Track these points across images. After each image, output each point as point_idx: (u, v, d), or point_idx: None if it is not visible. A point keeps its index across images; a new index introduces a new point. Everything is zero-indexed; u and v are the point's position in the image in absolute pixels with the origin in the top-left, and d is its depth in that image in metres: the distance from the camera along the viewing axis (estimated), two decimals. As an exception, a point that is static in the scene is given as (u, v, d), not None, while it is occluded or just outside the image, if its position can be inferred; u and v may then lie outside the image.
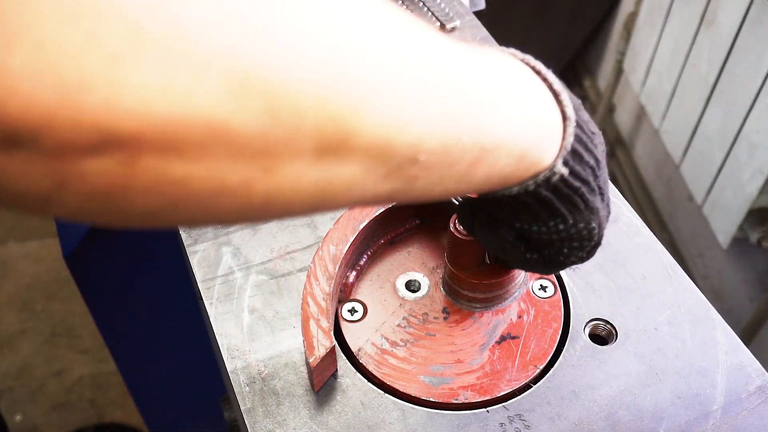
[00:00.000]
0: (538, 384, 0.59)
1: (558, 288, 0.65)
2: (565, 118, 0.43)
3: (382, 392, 0.59)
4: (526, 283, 0.65)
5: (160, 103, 0.24)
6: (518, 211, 0.46)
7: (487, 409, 0.58)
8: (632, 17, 1.88)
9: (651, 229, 0.70)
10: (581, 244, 0.49)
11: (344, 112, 0.29)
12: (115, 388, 1.85)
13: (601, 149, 0.47)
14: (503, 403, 0.58)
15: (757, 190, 1.44)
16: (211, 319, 0.63)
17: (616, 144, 2.10)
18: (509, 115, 0.38)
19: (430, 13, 0.92)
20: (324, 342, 0.56)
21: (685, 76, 1.66)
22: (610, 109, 2.09)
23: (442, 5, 0.93)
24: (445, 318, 0.64)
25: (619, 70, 1.99)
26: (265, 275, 0.67)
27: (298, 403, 0.58)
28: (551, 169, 0.42)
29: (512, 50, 0.45)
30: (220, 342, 0.62)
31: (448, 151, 0.34)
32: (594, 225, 0.48)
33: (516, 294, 0.63)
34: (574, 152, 0.43)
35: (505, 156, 0.39)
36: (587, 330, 0.63)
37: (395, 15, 0.34)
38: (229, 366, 0.60)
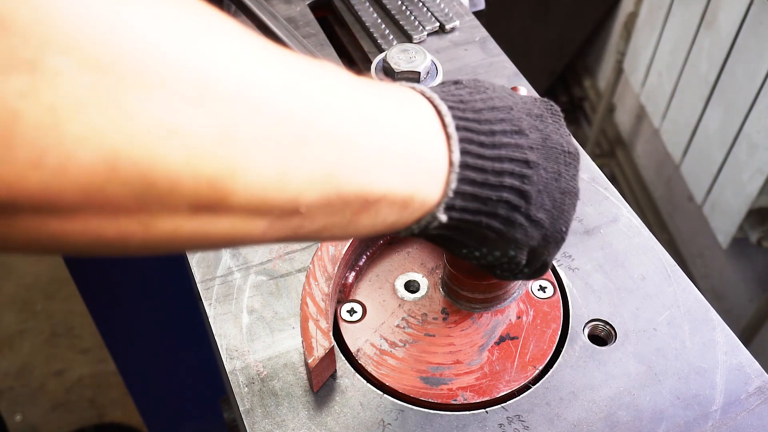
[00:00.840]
0: (537, 385, 0.59)
1: (557, 289, 0.65)
2: (450, 163, 0.42)
3: (381, 393, 0.59)
4: (526, 284, 0.65)
5: (33, 177, 0.26)
6: (434, 240, 0.47)
7: (486, 410, 0.58)
8: (632, 17, 1.88)
9: (651, 230, 0.70)
10: (510, 269, 0.49)
11: (219, 175, 0.30)
12: (115, 388, 1.85)
13: (535, 179, 0.45)
14: (502, 404, 0.58)
15: (757, 190, 1.44)
16: (210, 320, 0.63)
17: (616, 144, 2.10)
18: (392, 167, 0.38)
19: (429, 13, 0.92)
20: (323, 343, 0.56)
21: (685, 76, 1.66)
22: (610, 109, 2.09)
23: (442, 5, 0.93)
24: (444, 319, 0.64)
25: (619, 70, 1.99)
26: (264, 276, 0.67)
27: (297, 403, 0.58)
28: (432, 214, 0.42)
29: (422, 87, 0.44)
30: (219, 342, 0.62)
31: (330, 204, 0.35)
32: (514, 253, 0.47)
33: (515, 295, 0.63)
34: (465, 194, 0.42)
35: (388, 206, 0.39)
36: (586, 331, 0.63)
37: (275, 63, 0.33)
38: (228, 366, 0.60)
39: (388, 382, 0.59)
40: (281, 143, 0.32)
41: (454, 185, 0.42)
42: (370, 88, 0.39)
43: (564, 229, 0.49)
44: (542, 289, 0.65)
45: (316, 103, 0.34)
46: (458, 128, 0.42)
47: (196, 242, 0.32)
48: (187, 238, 0.32)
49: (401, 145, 0.39)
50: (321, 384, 0.59)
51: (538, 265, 0.51)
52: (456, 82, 0.47)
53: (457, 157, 0.42)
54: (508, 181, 0.44)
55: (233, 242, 0.34)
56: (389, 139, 0.38)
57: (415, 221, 0.42)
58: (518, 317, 0.64)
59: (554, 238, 0.49)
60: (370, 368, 0.60)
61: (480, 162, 0.43)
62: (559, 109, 0.52)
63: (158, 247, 0.31)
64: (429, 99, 0.43)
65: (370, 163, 0.37)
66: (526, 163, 0.45)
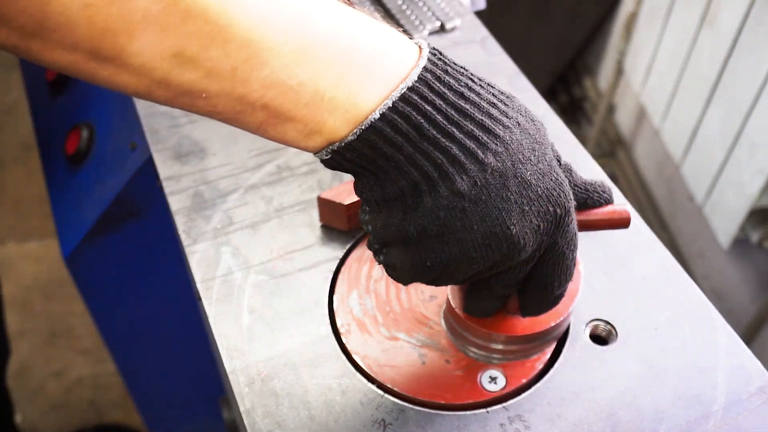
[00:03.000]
0: (538, 384, 0.59)
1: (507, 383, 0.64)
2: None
3: (382, 393, 0.59)
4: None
5: None
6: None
7: (487, 409, 0.58)
8: (632, 17, 1.88)
9: (651, 230, 0.70)
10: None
11: (113, 31, 0.36)
12: (114, 388, 1.84)
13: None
14: (503, 404, 0.58)
15: (758, 191, 1.43)
16: (211, 320, 0.63)
17: (617, 144, 2.10)
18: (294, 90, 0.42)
19: (430, 12, 0.92)
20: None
21: (686, 76, 1.66)
22: (611, 109, 2.09)
23: (443, 5, 0.93)
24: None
25: (619, 70, 1.98)
26: (264, 275, 0.67)
27: (298, 403, 0.58)
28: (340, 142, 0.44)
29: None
30: (219, 342, 0.62)
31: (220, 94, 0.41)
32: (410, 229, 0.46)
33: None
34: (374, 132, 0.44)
35: (292, 130, 0.44)
36: (587, 330, 0.63)
37: None
38: (229, 366, 0.60)
39: (388, 382, 0.59)
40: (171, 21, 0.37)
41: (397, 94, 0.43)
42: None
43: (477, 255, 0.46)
44: (492, 380, 0.60)
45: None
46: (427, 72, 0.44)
47: (99, 82, 0.40)
48: (90, 76, 0.39)
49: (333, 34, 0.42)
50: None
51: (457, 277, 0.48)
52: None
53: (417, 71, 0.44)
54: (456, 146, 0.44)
55: (128, 92, 0.41)
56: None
57: (322, 147, 0.45)
58: (519, 317, 0.63)
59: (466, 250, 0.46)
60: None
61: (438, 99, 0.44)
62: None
63: (78, 76, 0.39)
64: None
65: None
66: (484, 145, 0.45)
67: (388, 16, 0.92)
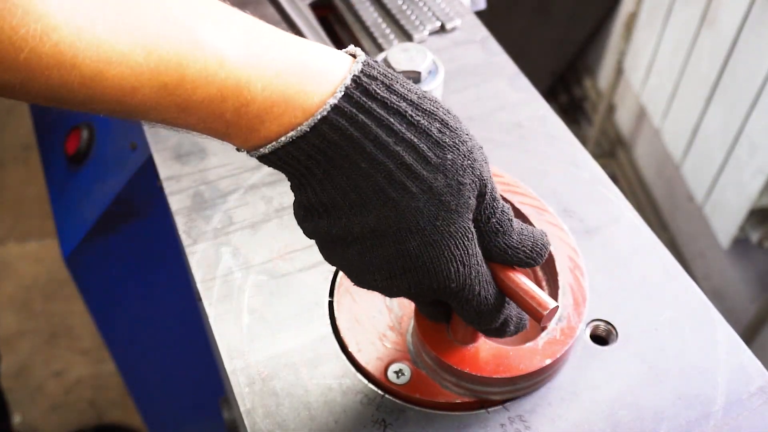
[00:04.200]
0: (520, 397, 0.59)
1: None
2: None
3: (383, 393, 0.59)
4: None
5: None
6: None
7: (488, 409, 0.58)
8: (632, 17, 1.88)
9: (651, 230, 0.70)
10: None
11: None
12: (114, 388, 1.84)
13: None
14: (504, 404, 0.58)
15: (758, 191, 1.43)
16: (211, 320, 0.63)
17: (617, 144, 2.10)
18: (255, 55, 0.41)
19: (430, 13, 0.92)
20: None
21: (686, 76, 1.66)
22: (611, 109, 2.09)
23: (443, 5, 0.93)
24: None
25: (619, 70, 1.98)
26: (264, 275, 0.66)
27: (298, 403, 0.58)
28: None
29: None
30: (219, 343, 0.62)
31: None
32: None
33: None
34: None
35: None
36: (588, 330, 0.63)
37: None
38: (229, 367, 0.60)
39: (389, 382, 0.59)
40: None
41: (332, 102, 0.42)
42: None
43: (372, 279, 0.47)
44: (396, 373, 0.59)
45: None
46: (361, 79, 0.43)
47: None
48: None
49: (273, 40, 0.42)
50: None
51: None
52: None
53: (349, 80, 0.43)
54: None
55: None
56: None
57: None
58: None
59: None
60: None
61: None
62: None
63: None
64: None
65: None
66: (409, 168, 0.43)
67: (389, 16, 0.92)
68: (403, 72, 0.69)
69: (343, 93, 0.42)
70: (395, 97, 0.43)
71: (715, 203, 1.60)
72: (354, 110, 0.42)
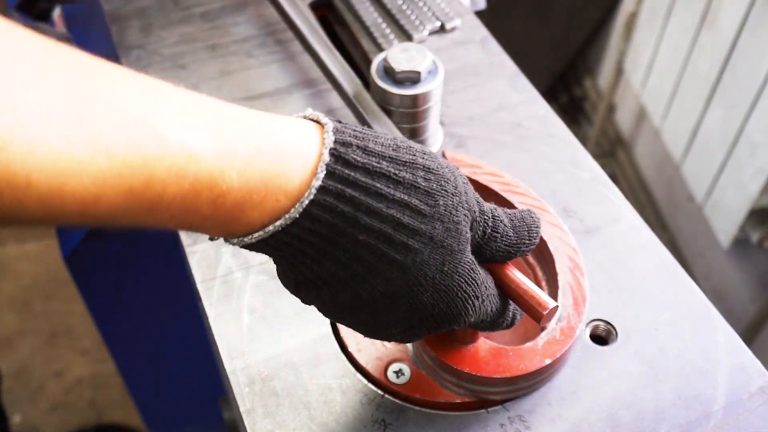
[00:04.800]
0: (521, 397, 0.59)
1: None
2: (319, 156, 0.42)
3: (383, 393, 0.59)
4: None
5: None
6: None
7: (488, 409, 0.58)
8: (632, 17, 1.88)
9: (651, 230, 0.70)
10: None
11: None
12: (114, 388, 1.84)
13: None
14: (503, 404, 0.58)
15: (758, 191, 1.43)
16: (211, 320, 0.63)
17: (617, 144, 2.10)
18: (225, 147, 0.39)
19: (430, 13, 0.92)
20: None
21: (686, 76, 1.66)
22: (611, 109, 2.09)
23: (443, 5, 0.93)
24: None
25: (619, 70, 1.98)
26: (264, 275, 0.66)
27: (298, 403, 0.58)
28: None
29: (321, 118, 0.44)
30: (219, 343, 0.62)
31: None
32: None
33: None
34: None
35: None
36: (588, 330, 0.63)
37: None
38: (229, 367, 0.60)
39: (389, 382, 0.59)
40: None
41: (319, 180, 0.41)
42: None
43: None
44: (396, 373, 0.60)
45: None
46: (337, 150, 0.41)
47: None
48: None
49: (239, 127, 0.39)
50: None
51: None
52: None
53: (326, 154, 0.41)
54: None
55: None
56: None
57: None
58: (519, 317, 0.63)
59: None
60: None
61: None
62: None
63: None
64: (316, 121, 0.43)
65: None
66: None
67: (389, 15, 0.92)
68: (403, 72, 0.69)
69: (325, 172, 0.41)
70: (374, 158, 0.42)
71: (716, 203, 1.59)
72: (340, 186, 0.41)
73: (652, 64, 1.81)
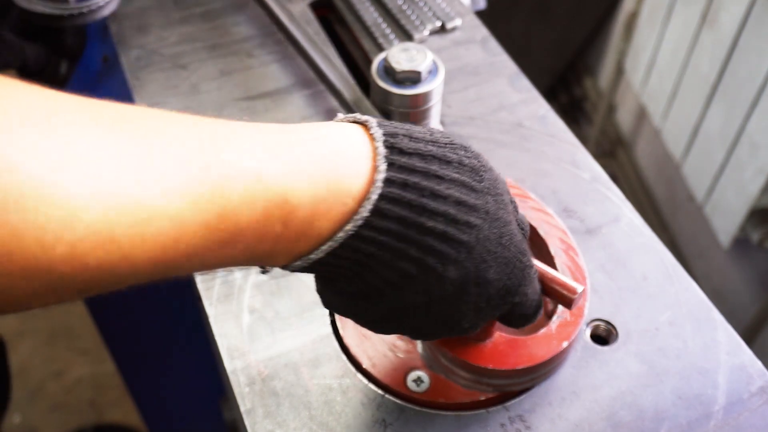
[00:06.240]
0: (539, 384, 0.59)
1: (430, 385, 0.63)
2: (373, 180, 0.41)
3: (383, 393, 0.59)
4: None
5: None
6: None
7: (488, 409, 0.58)
8: (633, 17, 1.88)
9: (652, 229, 0.70)
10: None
11: None
12: (114, 388, 1.84)
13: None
14: (504, 404, 0.58)
15: (759, 190, 1.43)
16: (211, 320, 0.63)
17: (617, 144, 2.10)
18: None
19: (431, 13, 0.92)
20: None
21: (686, 76, 1.66)
22: (611, 109, 2.09)
23: (443, 5, 0.93)
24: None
25: (619, 70, 1.98)
26: (264, 275, 0.66)
27: (298, 403, 0.58)
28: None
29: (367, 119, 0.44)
30: (219, 342, 0.62)
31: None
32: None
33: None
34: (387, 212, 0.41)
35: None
36: (588, 330, 0.62)
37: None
38: (229, 367, 0.60)
39: (389, 382, 0.59)
40: None
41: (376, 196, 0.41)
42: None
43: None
44: (416, 381, 0.60)
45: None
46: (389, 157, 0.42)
47: None
48: None
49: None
50: None
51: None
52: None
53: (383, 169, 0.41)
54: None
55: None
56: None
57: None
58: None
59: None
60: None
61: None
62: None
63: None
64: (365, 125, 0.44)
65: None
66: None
67: (389, 15, 0.92)
68: (403, 72, 0.69)
69: (385, 163, 0.41)
70: (421, 144, 0.43)
71: (716, 203, 1.59)
72: (401, 175, 0.41)
73: (652, 64, 1.81)
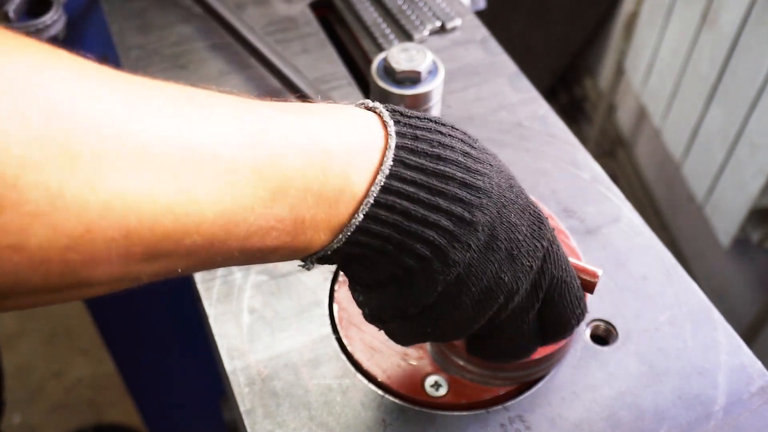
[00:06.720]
0: (539, 384, 0.59)
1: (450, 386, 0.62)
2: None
3: (383, 393, 0.59)
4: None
5: None
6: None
7: (488, 409, 0.58)
8: (633, 17, 1.88)
9: (651, 230, 0.70)
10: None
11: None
12: (114, 388, 1.84)
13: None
14: (503, 404, 0.58)
15: (759, 191, 1.43)
16: (211, 320, 0.63)
17: (617, 144, 2.10)
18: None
19: (431, 13, 0.92)
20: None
21: (686, 76, 1.66)
22: (611, 109, 2.09)
23: (443, 5, 0.93)
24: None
25: (619, 70, 1.98)
26: (264, 275, 0.66)
27: (298, 403, 0.58)
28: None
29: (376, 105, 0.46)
30: (219, 343, 0.62)
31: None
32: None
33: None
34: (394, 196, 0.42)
35: (275, 257, 0.42)
36: (588, 330, 0.62)
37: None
38: (229, 367, 0.60)
39: (389, 382, 0.59)
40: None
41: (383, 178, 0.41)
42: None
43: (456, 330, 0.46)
44: (434, 387, 0.59)
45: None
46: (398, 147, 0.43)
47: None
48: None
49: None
50: None
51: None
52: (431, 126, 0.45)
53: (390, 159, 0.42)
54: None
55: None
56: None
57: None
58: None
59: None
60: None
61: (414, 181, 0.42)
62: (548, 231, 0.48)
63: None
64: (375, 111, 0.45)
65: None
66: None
67: (389, 15, 0.92)
68: (403, 72, 0.69)
69: (392, 120, 0.43)
70: (415, 113, 0.45)
71: (716, 203, 1.59)
72: (409, 130, 0.43)
73: (652, 64, 1.81)
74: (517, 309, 0.47)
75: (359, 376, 0.60)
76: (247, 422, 0.57)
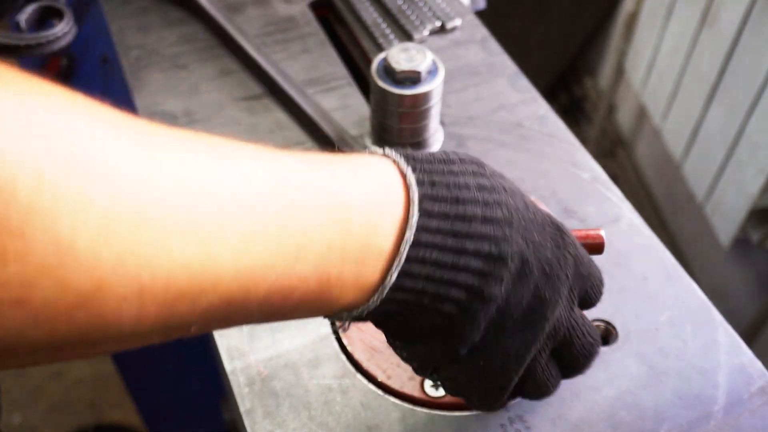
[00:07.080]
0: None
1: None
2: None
3: (383, 393, 0.59)
4: None
5: None
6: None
7: (488, 410, 0.58)
8: (633, 17, 1.88)
9: (651, 230, 0.70)
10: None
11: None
12: (114, 389, 1.84)
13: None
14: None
15: (759, 191, 1.43)
16: (211, 320, 0.63)
17: (617, 144, 2.10)
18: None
19: (431, 12, 0.92)
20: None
21: (687, 76, 1.66)
22: (611, 109, 2.08)
23: (443, 5, 0.93)
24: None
25: (619, 70, 1.98)
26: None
27: (298, 404, 0.58)
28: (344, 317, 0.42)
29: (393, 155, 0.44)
30: (219, 343, 0.62)
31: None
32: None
33: None
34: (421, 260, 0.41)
35: (301, 314, 0.41)
36: (588, 330, 0.62)
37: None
38: (229, 367, 0.60)
39: (389, 382, 0.59)
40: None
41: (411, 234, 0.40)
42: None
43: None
44: (434, 387, 0.59)
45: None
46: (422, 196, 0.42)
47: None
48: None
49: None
50: None
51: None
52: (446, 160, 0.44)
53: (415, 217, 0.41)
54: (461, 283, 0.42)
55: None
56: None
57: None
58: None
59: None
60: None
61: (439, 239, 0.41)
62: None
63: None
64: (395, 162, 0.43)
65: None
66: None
67: (389, 15, 0.92)
68: (403, 72, 0.69)
69: (408, 167, 0.42)
70: (424, 154, 0.44)
71: (716, 203, 1.59)
72: (425, 177, 0.42)
73: (652, 64, 1.81)
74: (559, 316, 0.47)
75: (359, 376, 0.60)
76: (247, 422, 0.57)
